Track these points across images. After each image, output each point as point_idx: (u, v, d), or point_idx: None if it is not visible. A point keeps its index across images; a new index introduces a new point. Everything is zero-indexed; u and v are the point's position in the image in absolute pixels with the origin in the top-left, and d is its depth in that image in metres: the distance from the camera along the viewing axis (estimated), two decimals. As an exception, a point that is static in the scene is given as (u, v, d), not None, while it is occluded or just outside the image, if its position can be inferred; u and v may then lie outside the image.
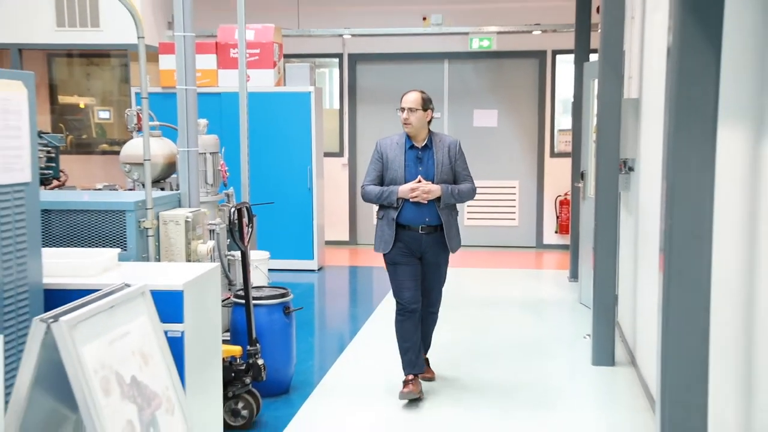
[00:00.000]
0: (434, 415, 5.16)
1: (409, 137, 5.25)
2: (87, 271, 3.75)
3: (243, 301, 5.04)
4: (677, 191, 3.02)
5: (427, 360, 5.67)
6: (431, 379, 5.65)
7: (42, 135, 5.74)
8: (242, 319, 5.05)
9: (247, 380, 4.82)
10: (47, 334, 2.90)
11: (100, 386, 2.96)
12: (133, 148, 5.67)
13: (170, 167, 5.67)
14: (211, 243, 4.85)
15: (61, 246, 4.34)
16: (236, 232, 5.14)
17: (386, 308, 7.83)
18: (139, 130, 5.82)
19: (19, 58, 9.86)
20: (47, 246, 3.78)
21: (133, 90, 9.63)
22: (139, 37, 4.81)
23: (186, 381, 3.52)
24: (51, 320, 2.88)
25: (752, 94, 3.00)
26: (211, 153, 5.70)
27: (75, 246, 4.39)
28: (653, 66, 5.48)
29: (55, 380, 3.00)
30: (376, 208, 5.53)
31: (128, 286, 3.36)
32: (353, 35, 11.18)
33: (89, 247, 4.36)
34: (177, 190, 5.15)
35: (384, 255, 5.25)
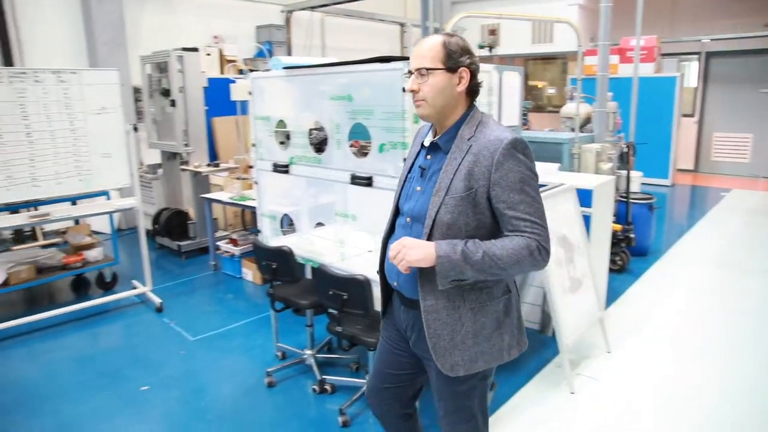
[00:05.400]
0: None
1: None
2: (544, 174, 3.54)
3: (625, 200, 4.38)
4: None
5: None
6: None
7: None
8: (623, 210, 4.41)
9: (623, 245, 4.26)
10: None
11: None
12: (567, 108, 5.32)
13: (587, 120, 5.15)
14: (610, 164, 4.28)
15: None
16: (624, 160, 4.45)
17: (716, 214, 6.31)
18: (571, 98, 5.35)
19: (512, 60, 9.48)
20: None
21: (568, 77, 8.81)
22: (579, 46, 4.33)
23: (591, 239, 3.19)
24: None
25: None
26: (612, 112, 4.96)
27: (538, 162, 4.16)
28: None
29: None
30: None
31: (563, 184, 3.10)
32: (711, 39, 8.62)
33: (547, 162, 4.12)
34: (591, 132, 4.62)
35: None
